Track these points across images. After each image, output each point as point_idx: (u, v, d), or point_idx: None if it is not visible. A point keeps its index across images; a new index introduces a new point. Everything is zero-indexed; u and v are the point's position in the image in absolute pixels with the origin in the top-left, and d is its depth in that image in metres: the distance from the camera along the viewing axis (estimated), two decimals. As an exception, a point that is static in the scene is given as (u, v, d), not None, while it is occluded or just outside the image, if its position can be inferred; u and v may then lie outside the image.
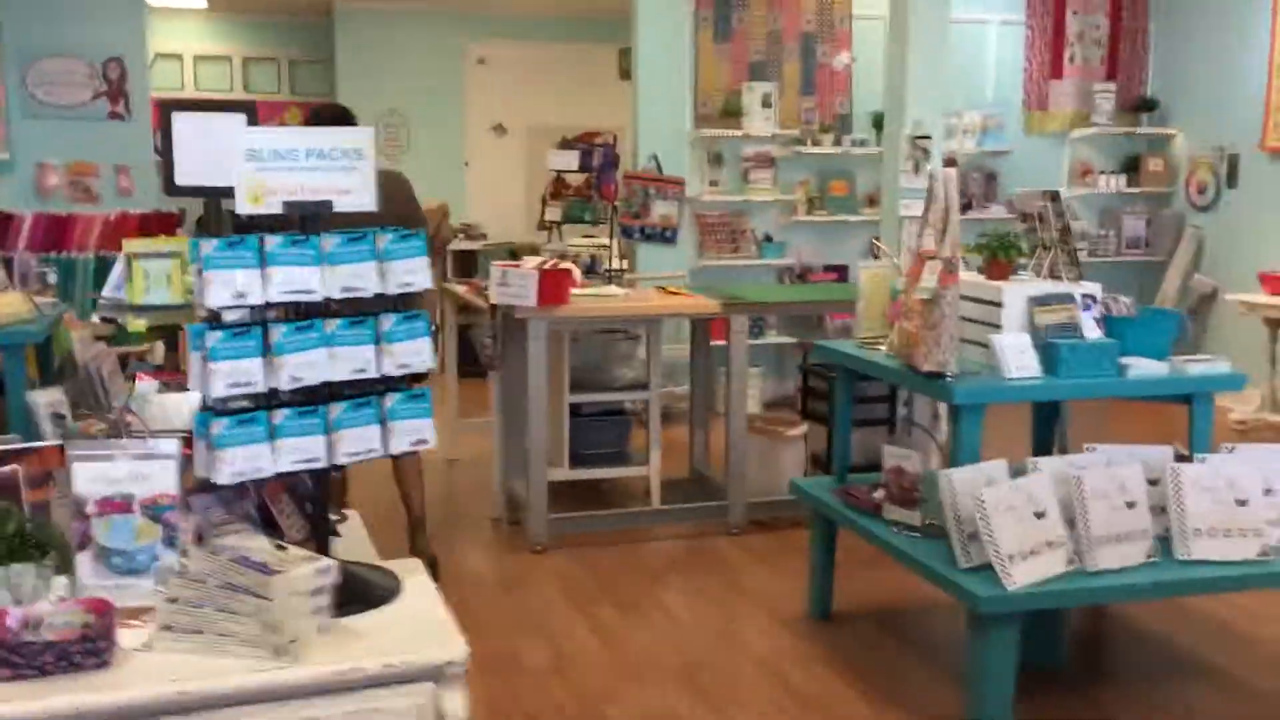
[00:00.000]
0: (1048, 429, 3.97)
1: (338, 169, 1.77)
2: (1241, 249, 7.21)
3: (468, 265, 11.22)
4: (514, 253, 11.29)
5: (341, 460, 1.82)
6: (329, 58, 11.86)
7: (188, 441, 1.87)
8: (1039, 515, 3.03)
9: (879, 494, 3.58)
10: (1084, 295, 3.41)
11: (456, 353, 6.15)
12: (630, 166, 7.32)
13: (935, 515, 3.30)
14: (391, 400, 1.88)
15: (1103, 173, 7.87)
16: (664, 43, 7.17)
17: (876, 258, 4.67)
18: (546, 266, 4.61)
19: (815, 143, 7.36)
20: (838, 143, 7.42)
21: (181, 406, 2.13)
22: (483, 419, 5.68)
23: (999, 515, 2.97)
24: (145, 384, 2.27)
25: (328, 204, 1.80)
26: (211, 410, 1.74)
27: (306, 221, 1.80)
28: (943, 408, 5.20)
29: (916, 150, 5.24)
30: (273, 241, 1.73)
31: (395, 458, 3.95)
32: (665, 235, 7.28)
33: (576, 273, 4.79)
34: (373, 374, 1.85)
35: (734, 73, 7.28)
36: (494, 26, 11.72)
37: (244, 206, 1.77)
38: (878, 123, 7.48)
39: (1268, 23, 7.02)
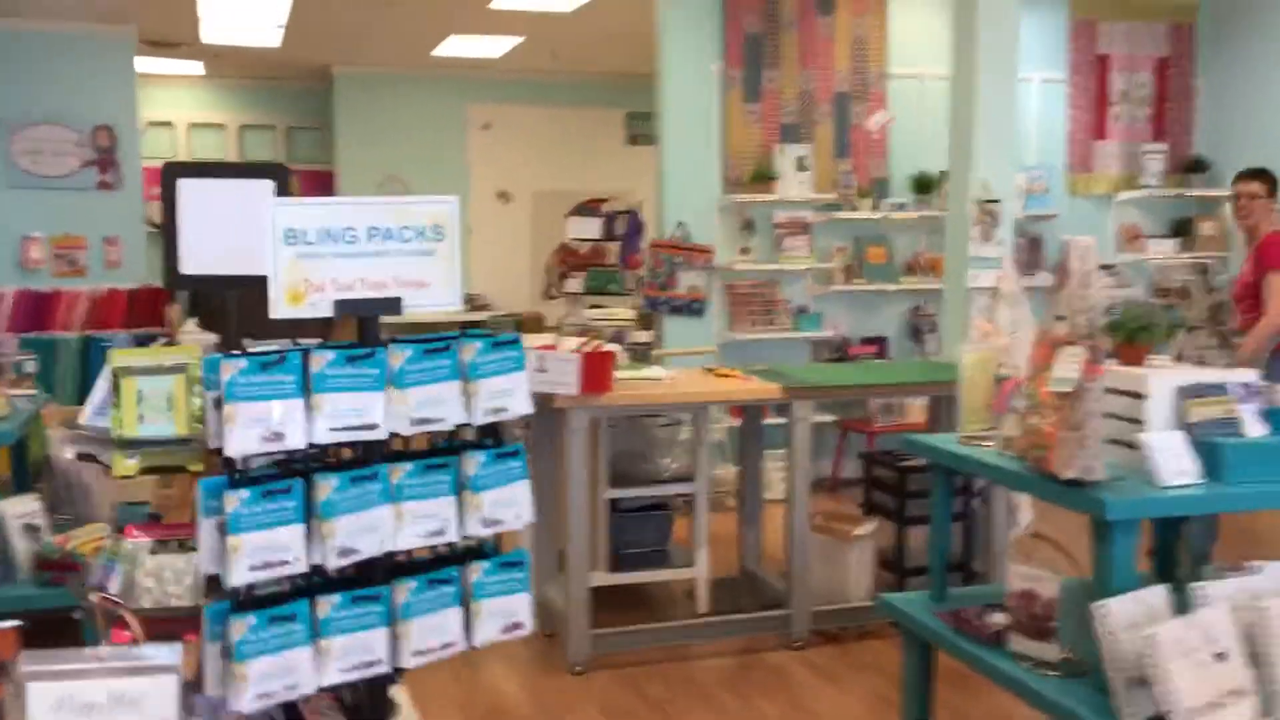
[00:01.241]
0: (1170, 540, 3.43)
1: (410, 253, 1.29)
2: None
3: (473, 338, 10.71)
4: (520, 324, 10.80)
5: (410, 663, 1.30)
6: (328, 124, 11.45)
7: (194, 624, 1.34)
8: (1219, 657, 2.49)
9: (998, 618, 3.05)
10: (1240, 384, 2.90)
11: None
12: (655, 234, 6.86)
13: (1073, 647, 2.77)
14: (478, 571, 1.36)
15: (1151, 237, 7.43)
16: (690, 104, 6.75)
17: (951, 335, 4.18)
18: (586, 348, 4.10)
19: (853, 207, 6.91)
20: (875, 207, 6.98)
21: (186, 578, 1.60)
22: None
23: (1175, 660, 2.43)
24: (135, 541, 1.73)
25: (395, 302, 1.30)
26: (231, 600, 1.21)
27: (367, 327, 1.30)
28: (1024, 502, 4.68)
29: (985, 215, 4.77)
30: (322, 360, 1.22)
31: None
32: (693, 307, 6.80)
33: (620, 355, 4.28)
34: (453, 537, 1.33)
35: (765, 135, 6.85)
36: (497, 91, 11.34)
37: (282, 308, 1.27)
38: (918, 186, 7.05)
39: (1330, 78, 6.64)
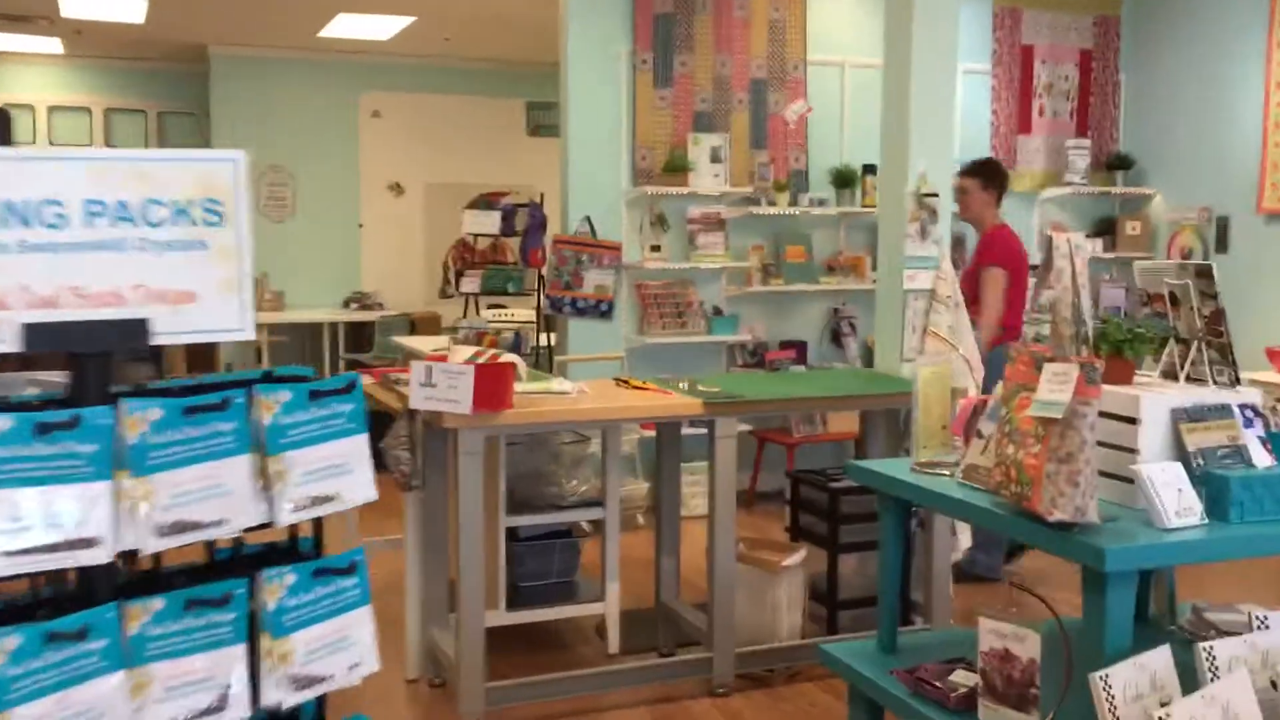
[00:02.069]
0: (1142, 585, 3.03)
1: (164, 244, 0.77)
2: (1240, 321, 6.52)
3: (361, 340, 10.05)
4: (413, 325, 10.16)
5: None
6: (204, 109, 10.65)
7: None
8: (1242, 738, 2.08)
9: (964, 678, 2.61)
10: (1243, 406, 2.50)
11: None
12: (559, 230, 6.34)
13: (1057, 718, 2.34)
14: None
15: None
16: (596, 89, 6.24)
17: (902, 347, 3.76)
18: (482, 359, 3.56)
19: (771, 202, 6.48)
20: (793, 202, 6.56)
21: None
22: (395, 536, 4.57)
23: (1194, 743, 2.01)
24: None
25: (138, 328, 0.78)
26: None
27: (86, 371, 0.77)
28: (962, 528, 4.28)
29: (923, 210, 4.36)
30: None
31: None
32: (600, 308, 6.29)
33: (521, 367, 3.74)
34: (241, 713, 0.80)
35: (677, 123, 6.37)
36: (389, 78, 10.67)
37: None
38: (839, 180, 6.65)
39: (1260, 73, 6.42)
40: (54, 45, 10.12)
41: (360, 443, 1.04)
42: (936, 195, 4.41)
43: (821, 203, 6.61)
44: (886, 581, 2.98)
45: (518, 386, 3.71)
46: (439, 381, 3.40)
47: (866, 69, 6.56)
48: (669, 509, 4.56)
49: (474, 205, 6.42)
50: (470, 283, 6.17)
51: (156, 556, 0.96)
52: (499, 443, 3.87)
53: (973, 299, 4.70)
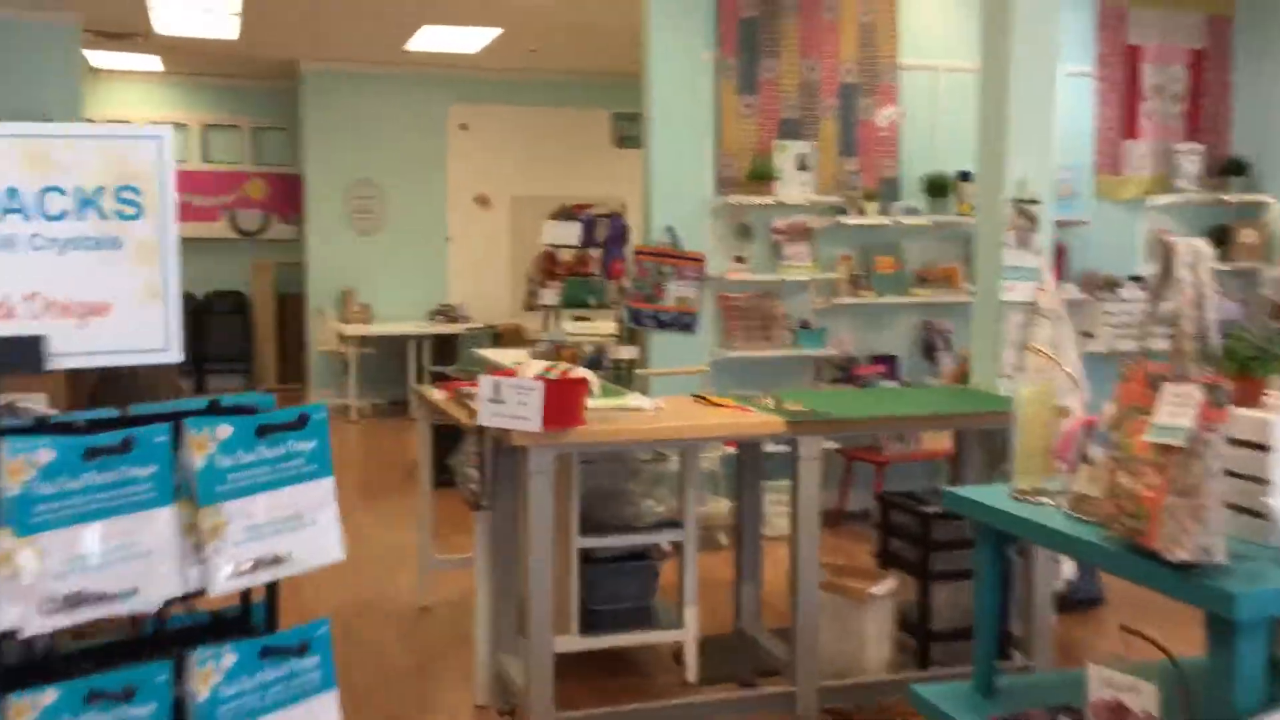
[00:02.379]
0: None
1: (69, 242, 0.62)
2: (1367, 335, 6.10)
3: (446, 353, 10.03)
4: (498, 337, 10.11)
5: None
6: (295, 124, 10.77)
7: None
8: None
9: (1070, 730, 2.37)
10: (1390, 431, 2.22)
11: (432, 461, 4.89)
12: (641, 240, 6.18)
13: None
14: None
15: (1185, 246, 6.77)
16: (680, 96, 6.08)
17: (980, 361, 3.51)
18: (553, 374, 3.41)
19: (860, 211, 6.24)
20: (884, 211, 6.31)
21: None
22: (469, 554, 4.45)
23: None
24: None
25: (30, 348, 0.63)
26: None
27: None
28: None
29: (1022, 218, 4.10)
30: None
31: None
32: (683, 321, 6.11)
33: (594, 382, 3.59)
34: None
35: (763, 130, 6.18)
36: (476, 90, 10.68)
37: None
38: (932, 188, 6.39)
39: (1390, 70, 5.99)
40: (153, 63, 10.34)
41: (323, 489, 0.87)
42: (1038, 202, 4.15)
43: (914, 212, 6.36)
44: (983, 617, 2.75)
45: (591, 402, 3.56)
46: (507, 397, 3.26)
47: (961, 73, 6.29)
48: (750, 530, 4.37)
49: (556, 216, 6.30)
50: (549, 295, 6.04)
51: (51, 639, 0.77)
52: (572, 460, 3.72)
53: None
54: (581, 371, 3.49)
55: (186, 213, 11.22)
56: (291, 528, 0.98)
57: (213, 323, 11.40)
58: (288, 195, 11.25)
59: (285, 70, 10.51)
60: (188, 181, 11.25)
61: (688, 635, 3.95)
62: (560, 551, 3.75)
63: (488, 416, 3.30)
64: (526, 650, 3.51)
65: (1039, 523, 2.44)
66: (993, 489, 2.80)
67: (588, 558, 3.97)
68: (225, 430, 1.09)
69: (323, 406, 1.27)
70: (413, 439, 5.49)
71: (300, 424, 1.12)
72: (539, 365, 3.51)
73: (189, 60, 10.30)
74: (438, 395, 4.36)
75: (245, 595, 1.13)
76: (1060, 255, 6.59)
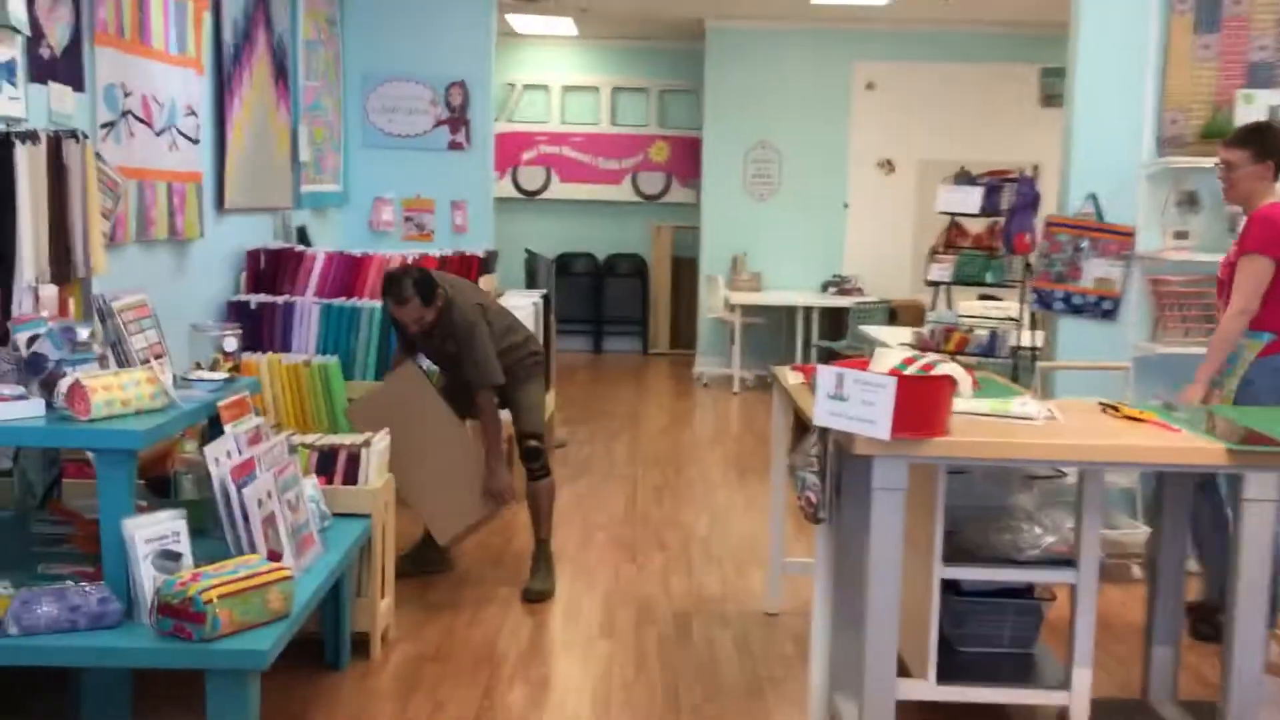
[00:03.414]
0: None
1: None
2: None
3: (836, 327, 9.45)
4: (893, 313, 9.38)
5: None
6: (697, 87, 10.57)
7: None
8: None
9: None
10: None
11: (789, 439, 4.33)
12: (1055, 210, 5.27)
13: None
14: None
15: None
16: (1114, 40, 5.08)
17: None
18: (911, 369, 2.76)
19: (1351, 178, 4.93)
20: (1385, 179, 4.94)
21: None
22: (808, 559, 3.89)
23: None
24: None
25: None
26: None
27: None
28: None
29: None
30: None
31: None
32: (1102, 307, 5.15)
33: (963, 380, 2.89)
34: None
35: (1223, 77, 5.03)
36: (884, 46, 9.92)
37: None
38: None
39: None
40: (567, 26, 10.51)
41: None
42: None
43: None
44: None
45: (960, 404, 2.87)
46: (851, 394, 2.66)
47: None
48: (1170, 569, 3.46)
49: (955, 180, 5.53)
50: (941, 269, 5.31)
51: None
52: (937, 473, 3.05)
53: (1224, 288, 3.96)
54: (949, 368, 2.81)
55: (592, 175, 11.43)
56: None
57: (612, 285, 11.55)
58: (689, 158, 11.12)
59: (691, 30, 10.32)
60: (595, 144, 11.42)
61: (1076, 699, 3.17)
62: (918, 580, 3.12)
63: (826, 414, 2.72)
64: (863, 696, 2.91)
65: None
66: None
67: (953, 589, 3.29)
68: None
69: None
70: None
71: None
72: (897, 355, 2.87)
73: (600, 23, 10.37)
74: (792, 378, 3.83)
75: None
76: None
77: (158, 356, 3.19)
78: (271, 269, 6.05)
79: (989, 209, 5.27)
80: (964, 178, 5.45)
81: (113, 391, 2.77)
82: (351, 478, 3.72)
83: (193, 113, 5.27)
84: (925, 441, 2.69)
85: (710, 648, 3.99)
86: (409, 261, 6.00)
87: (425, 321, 4.24)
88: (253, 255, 6.05)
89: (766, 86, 10.04)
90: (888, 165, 10.09)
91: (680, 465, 6.69)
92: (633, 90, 11.48)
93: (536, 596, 4.36)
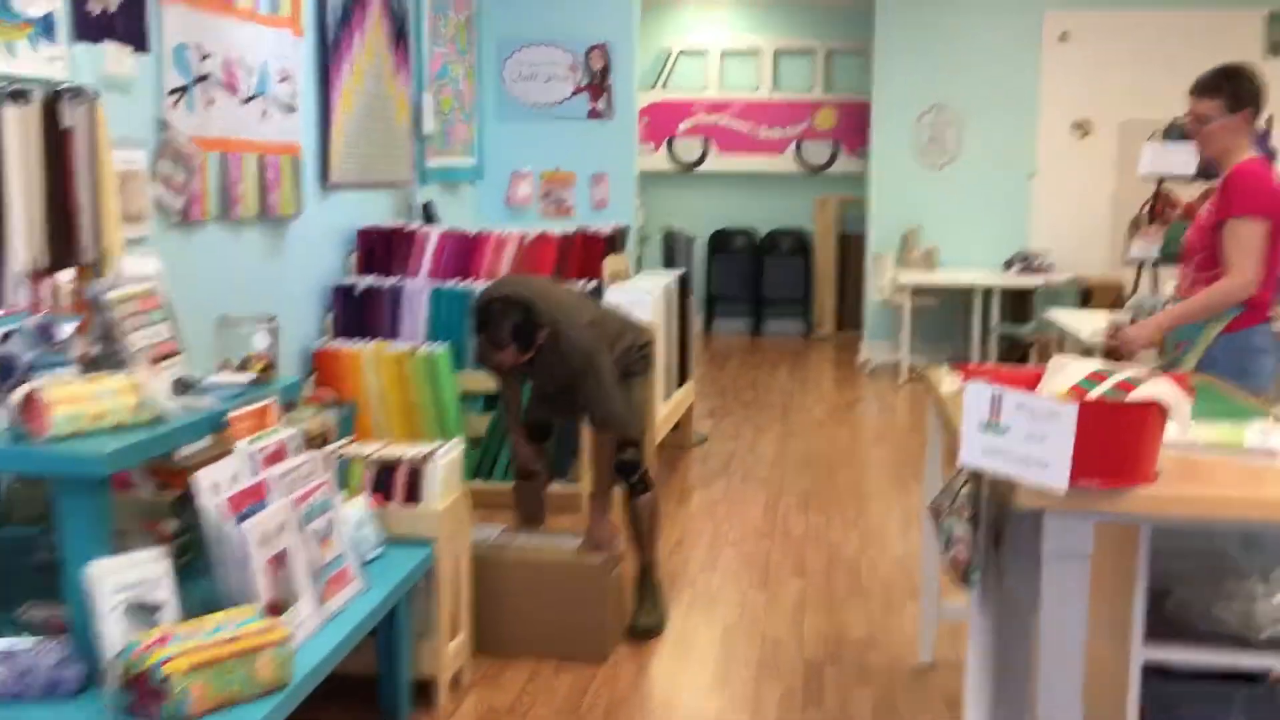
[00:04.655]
0: None
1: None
2: None
3: (1020, 311, 8.44)
4: (1087, 294, 8.30)
5: None
6: (866, 46, 9.66)
7: None
8: None
9: None
10: None
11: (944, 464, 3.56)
12: (1295, 170, 4.25)
13: None
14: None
15: None
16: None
17: None
18: (1101, 388, 1.97)
19: None
20: None
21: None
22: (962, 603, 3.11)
23: None
24: None
25: None
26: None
27: None
28: None
29: None
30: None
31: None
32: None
33: (1177, 405, 2.07)
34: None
35: None
36: (1084, -9, 8.80)
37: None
38: None
39: None
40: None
41: None
42: None
43: None
44: None
45: (1172, 433, 2.06)
46: (1013, 423, 1.90)
47: None
48: None
49: (1164, 135, 4.57)
50: (1144, 245, 4.38)
51: None
52: (1140, 532, 2.25)
53: (1207, 260, 3.42)
54: (1158, 388, 2.00)
55: (752, 145, 10.66)
56: None
57: (773, 263, 10.78)
58: (857, 125, 10.23)
59: (862, -17, 9.42)
60: (756, 112, 10.66)
61: (1329, 832, 2.32)
62: (1111, 661, 2.33)
63: (976, 451, 1.96)
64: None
65: None
66: None
67: (1159, 674, 2.47)
68: None
69: None
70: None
71: None
72: (1082, 369, 2.08)
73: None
74: (947, 383, 3.05)
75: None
76: None
77: (167, 356, 2.68)
78: (384, 249, 5.59)
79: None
80: (1174, 131, 4.48)
81: (81, 404, 2.27)
82: (414, 496, 3.16)
83: (287, 78, 4.82)
84: (1120, 493, 1.91)
85: (844, 709, 3.26)
86: (524, 242, 5.41)
87: (522, 361, 3.55)
88: (364, 235, 5.61)
89: (944, 42, 9.06)
90: (1083, 127, 8.95)
91: (833, 468, 5.93)
92: (796, 53, 10.65)
93: (643, 633, 3.72)
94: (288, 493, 2.57)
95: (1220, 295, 3.35)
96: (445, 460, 3.20)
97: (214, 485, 2.40)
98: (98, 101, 2.96)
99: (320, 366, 5.11)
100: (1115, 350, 3.58)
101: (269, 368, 2.88)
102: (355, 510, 2.97)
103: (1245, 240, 3.30)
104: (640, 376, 3.89)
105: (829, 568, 4.43)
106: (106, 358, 2.54)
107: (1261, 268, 3.33)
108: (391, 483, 3.16)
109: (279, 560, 2.46)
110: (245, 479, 2.51)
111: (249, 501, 2.44)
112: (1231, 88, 3.42)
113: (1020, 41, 8.93)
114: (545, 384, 3.84)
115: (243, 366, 2.85)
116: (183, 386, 2.61)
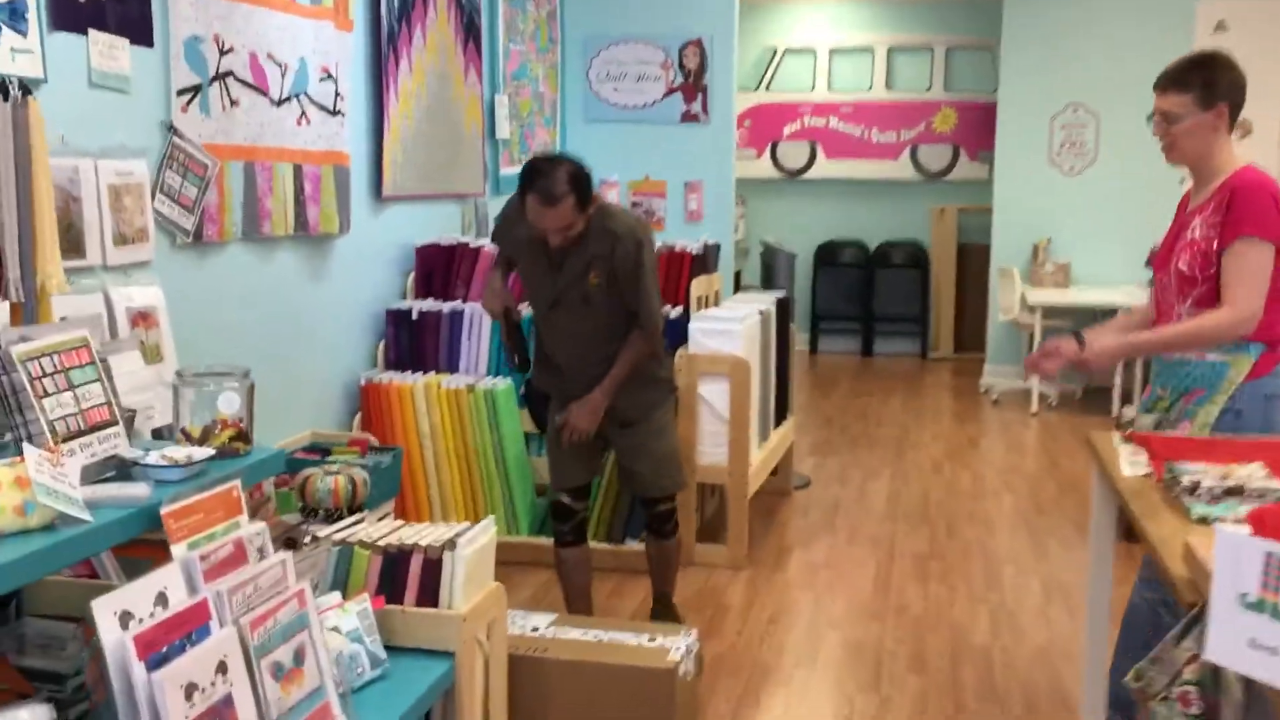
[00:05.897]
0: None
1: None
2: None
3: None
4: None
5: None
6: (991, 41, 8.77)
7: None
8: None
9: None
10: None
11: (1116, 550, 2.76)
12: None
13: None
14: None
15: None
16: None
17: None
18: None
19: None
20: None
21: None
22: None
23: None
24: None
25: None
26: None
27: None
28: None
29: None
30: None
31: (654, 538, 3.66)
32: None
33: None
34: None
35: None
36: (1245, -26, 7.79)
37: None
38: None
39: None
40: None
41: None
42: None
43: None
44: None
45: None
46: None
47: None
48: None
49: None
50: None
51: None
52: None
53: (1208, 296, 2.71)
54: None
55: (864, 150, 9.85)
56: None
57: (885, 277, 9.94)
58: (979, 127, 9.34)
59: (987, -27, 8.55)
60: (868, 114, 9.84)
61: None
62: None
63: (1229, 644, 1.21)
64: None
65: None
66: None
67: None
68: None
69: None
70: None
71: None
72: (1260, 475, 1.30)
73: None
74: (1125, 459, 2.29)
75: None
76: None
77: (99, 428, 2.06)
78: (444, 269, 4.99)
79: None
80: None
81: (-64, 507, 1.66)
82: (430, 595, 2.50)
83: (330, 76, 4.24)
84: None
85: None
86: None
87: (571, 233, 3.21)
88: (421, 253, 5.00)
89: (1081, 35, 8.14)
90: (1243, 127, 7.92)
91: (954, 521, 5.12)
92: (913, 50, 9.80)
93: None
94: (241, 614, 1.93)
95: (1212, 329, 2.69)
96: (471, 549, 2.53)
97: (119, 615, 1.77)
98: (32, 99, 2.37)
99: (367, 403, 4.53)
100: (1084, 364, 2.86)
101: (239, 438, 2.25)
102: (349, 619, 2.33)
103: (1253, 266, 2.66)
104: (674, 420, 3.67)
105: (955, 661, 3.65)
106: (15, 430, 1.94)
107: (1263, 300, 2.66)
108: (402, 577, 2.51)
109: (215, 716, 1.82)
110: (175, 601, 1.87)
111: (173, 636, 1.80)
112: (1204, 78, 2.83)
113: (1169, 33, 7.94)
114: (566, 293, 3.36)
115: (203, 438, 2.23)
116: (113, 469, 2.00)
